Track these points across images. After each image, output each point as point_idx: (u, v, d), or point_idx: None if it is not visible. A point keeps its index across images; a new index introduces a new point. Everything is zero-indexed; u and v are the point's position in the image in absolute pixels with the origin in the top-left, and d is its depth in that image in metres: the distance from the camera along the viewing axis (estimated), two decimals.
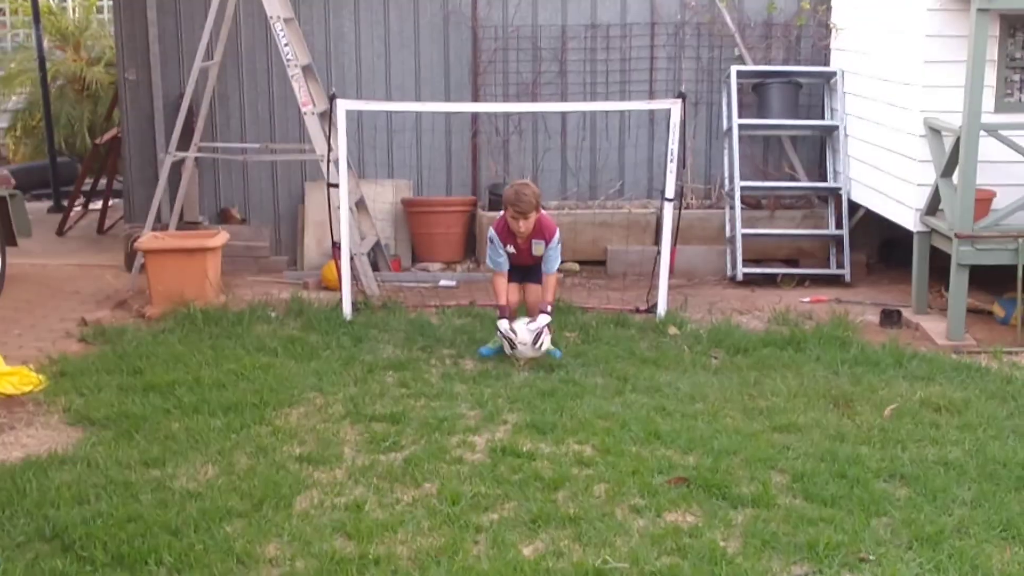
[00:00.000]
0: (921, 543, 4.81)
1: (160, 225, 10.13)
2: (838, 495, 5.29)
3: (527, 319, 7.70)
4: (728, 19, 10.83)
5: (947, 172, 8.30)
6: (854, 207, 10.31)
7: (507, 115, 10.77)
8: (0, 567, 4.51)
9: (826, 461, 5.72)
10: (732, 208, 10.37)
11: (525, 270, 7.88)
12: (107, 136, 12.68)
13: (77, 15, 16.38)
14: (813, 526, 4.94)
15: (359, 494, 5.33)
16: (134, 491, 5.28)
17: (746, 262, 10.19)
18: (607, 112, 10.83)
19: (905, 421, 6.35)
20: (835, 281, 10.13)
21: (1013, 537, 4.90)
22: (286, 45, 9.60)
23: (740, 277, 10.11)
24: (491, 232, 7.85)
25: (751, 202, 10.77)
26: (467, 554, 4.69)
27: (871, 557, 4.68)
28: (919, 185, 8.76)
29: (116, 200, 12.80)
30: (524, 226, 7.63)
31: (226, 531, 4.87)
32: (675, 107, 8.68)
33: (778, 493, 5.35)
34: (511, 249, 7.76)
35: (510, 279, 7.82)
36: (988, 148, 8.12)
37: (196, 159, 10.27)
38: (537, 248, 7.74)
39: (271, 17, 9.63)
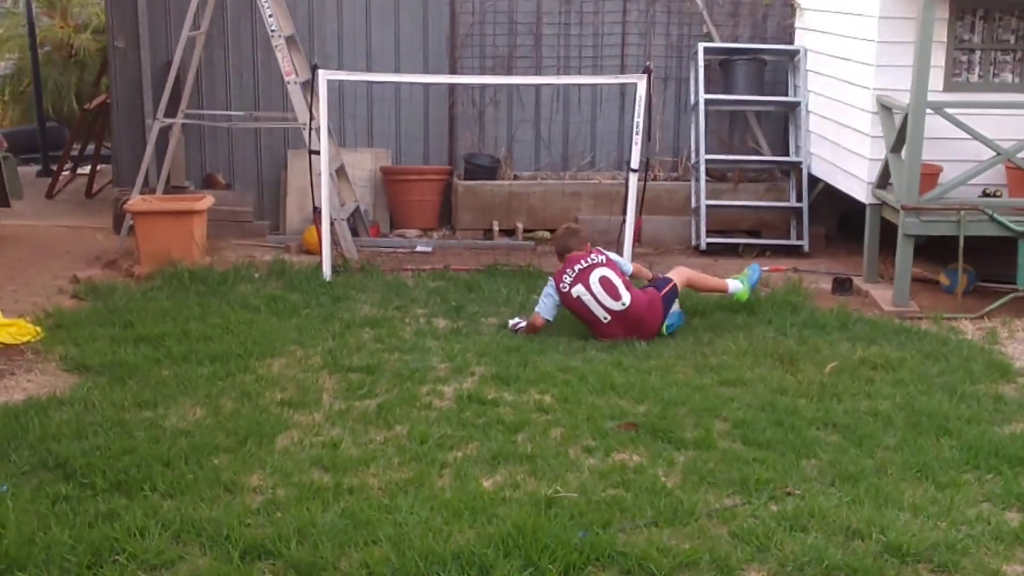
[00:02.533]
0: (843, 480, 5.31)
1: (148, 189, 10.52)
2: (773, 440, 5.78)
3: None
4: None
5: (896, 148, 8.78)
6: (814, 181, 10.80)
7: (483, 87, 11.19)
8: (9, 491, 4.96)
9: (766, 411, 6.21)
10: (698, 180, 10.84)
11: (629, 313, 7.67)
12: (96, 102, 13.05)
13: None
14: (747, 465, 5.43)
15: (335, 434, 5.80)
16: (129, 428, 5.74)
17: (710, 232, 10.68)
18: (580, 85, 11.26)
19: (844, 377, 6.84)
20: (795, 252, 10.63)
21: (926, 477, 5.40)
22: (270, 16, 10.00)
23: (704, 246, 10.60)
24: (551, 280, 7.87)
25: (716, 175, 11.24)
26: (433, 485, 5.17)
27: (797, 491, 5.18)
28: (871, 160, 9.25)
29: (104, 165, 13.18)
30: (573, 258, 7.75)
31: (214, 463, 5.33)
32: (641, 82, 9.13)
33: (719, 438, 5.85)
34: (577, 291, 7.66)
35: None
36: (936, 125, 8.59)
37: (183, 126, 10.67)
38: (597, 266, 7.71)
39: None
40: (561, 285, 7.71)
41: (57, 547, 4.49)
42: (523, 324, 7.82)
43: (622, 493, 5.11)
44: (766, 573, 4.53)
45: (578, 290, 7.65)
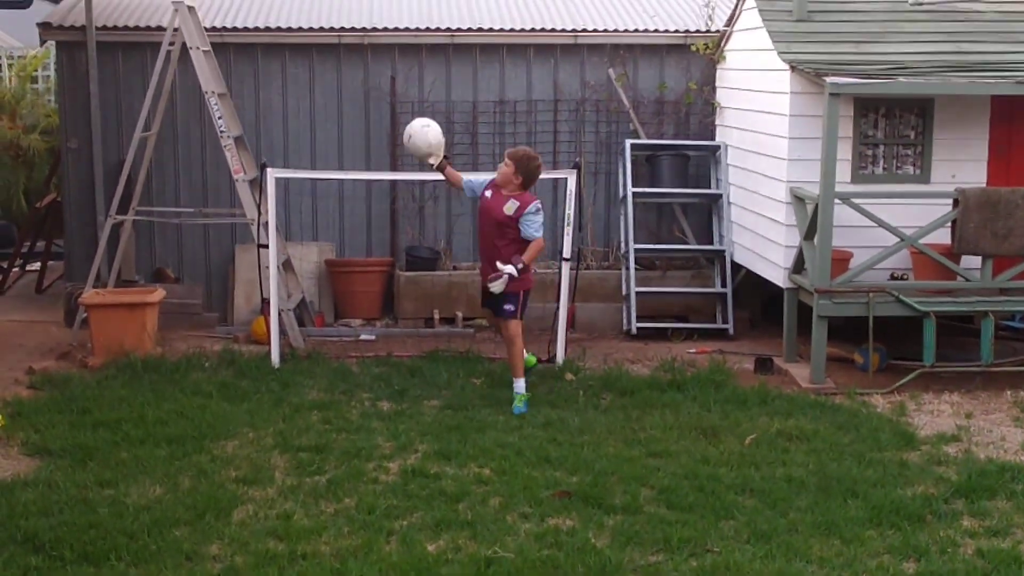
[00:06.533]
0: (758, 538, 5.82)
1: (99, 283, 10.89)
2: (695, 504, 6.29)
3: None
4: (624, 97, 11.96)
5: (809, 235, 9.42)
6: (737, 267, 11.43)
7: (423, 183, 11.73)
8: None
9: (689, 479, 6.72)
10: (628, 268, 11.42)
11: (484, 247, 8.74)
12: (46, 200, 13.43)
13: (13, 85, 17.10)
14: (671, 527, 5.93)
15: (288, 507, 6.21)
16: (93, 505, 6.11)
17: (640, 317, 11.23)
18: None
19: (762, 448, 7.39)
20: (721, 335, 11.20)
21: (833, 533, 5.93)
22: (220, 118, 10.52)
23: (635, 331, 11.14)
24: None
25: (645, 263, 11.83)
26: (380, 550, 5.60)
27: (715, 549, 5.67)
28: (787, 247, 9.90)
29: (53, 261, 13.51)
30: (502, 170, 8.62)
31: (175, 535, 5.73)
32: (571, 176, 9.76)
33: (645, 503, 6.34)
34: (488, 192, 8.71)
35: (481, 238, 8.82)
36: (845, 214, 9.28)
37: (133, 221, 11.09)
38: (509, 206, 8.55)
39: (206, 92, 10.56)
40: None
41: None
42: (519, 265, 8.45)
43: (556, 553, 5.57)
44: None
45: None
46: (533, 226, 8.61)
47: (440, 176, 9.33)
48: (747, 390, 8.82)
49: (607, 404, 8.54)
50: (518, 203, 8.60)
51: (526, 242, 8.58)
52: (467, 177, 9.07)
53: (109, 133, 11.43)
